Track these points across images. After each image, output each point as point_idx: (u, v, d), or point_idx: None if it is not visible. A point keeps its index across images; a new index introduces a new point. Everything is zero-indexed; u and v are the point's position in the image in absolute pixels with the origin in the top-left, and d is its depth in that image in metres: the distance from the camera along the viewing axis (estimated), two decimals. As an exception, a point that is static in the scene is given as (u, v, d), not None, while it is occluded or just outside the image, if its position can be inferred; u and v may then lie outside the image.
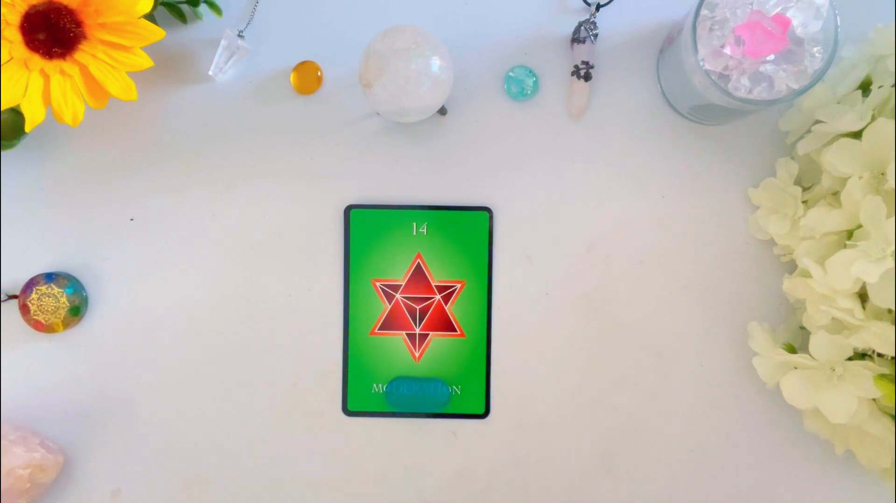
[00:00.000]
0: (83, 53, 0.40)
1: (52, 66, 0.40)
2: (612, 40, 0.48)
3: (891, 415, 0.40)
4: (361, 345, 0.48)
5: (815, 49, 0.40)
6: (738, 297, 0.48)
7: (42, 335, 0.47)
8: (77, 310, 0.47)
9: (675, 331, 0.48)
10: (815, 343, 0.40)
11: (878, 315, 0.38)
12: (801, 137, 0.45)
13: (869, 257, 0.37)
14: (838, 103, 0.42)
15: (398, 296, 0.48)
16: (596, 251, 0.48)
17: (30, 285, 0.46)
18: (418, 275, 0.48)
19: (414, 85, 0.41)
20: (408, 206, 0.48)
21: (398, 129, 0.48)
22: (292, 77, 0.48)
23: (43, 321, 0.46)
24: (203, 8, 0.47)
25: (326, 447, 0.48)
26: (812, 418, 0.44)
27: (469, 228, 0.48)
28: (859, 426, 0.40)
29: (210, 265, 0.48)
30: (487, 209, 0.48)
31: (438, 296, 0.48)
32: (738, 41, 0.40)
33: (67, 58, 0.40)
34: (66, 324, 0.47)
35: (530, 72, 0.47)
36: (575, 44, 0.47)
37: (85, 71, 0.41)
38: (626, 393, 0.48)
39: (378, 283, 0.48)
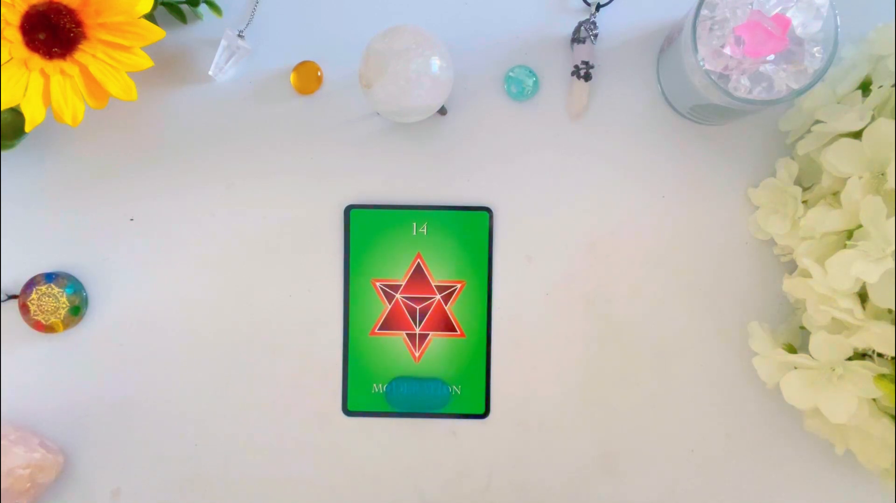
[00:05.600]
0: (83, 53, 0.40)
1: (52, 66, 0.40)
2: (612, 40, 0.48)
3: (891, 415, 0.40)
4: (361, 345, 0.48)
5: (815, 49, 0.40)
6: (738, 297, 0.48)
7: (42, 335, 0.47)
8: (77, 310, 0.47)
9: (676, 331, 0.48)
10: (815, 343, 0.40)
11: (878, 315, 0.38)
12: (801, 137, 0.45)
13: (869, 257, 0.37)
14: (838, 103, 0.42)
15: (398, 296, 0.48)
16: (596, 251, 0.48)
17: (30, 285, 0.46)
18: (418, 275, 0.48)
19: (414, 85, 0.41)
20: (408, 206, 0.48)
21: (398, 129, 0.48)
22: (292, 77, 0.48)
23: (43, 321, 0.46)
24: (203, 8, 0.47)
25: (326, 447, 0.48)
26: (812, 418, 0.44)
27: (469, 228, 0.48)
28: (859, 426, 0.40)
29: (210, 265, 0.48)
30: (487, 209, 0.48)
31: (438, 296, 0.48)
32: (738, 41, 0.39)
33: (67, 58, 0.40)
34: (66, 324, 0.47)
35: (530, 72, 0.47)
36: (575, 44, 0.47)
37: (85, 71, 0.41)
38: (626, 393, 0.48)
39: (378, 283, 0.48)
